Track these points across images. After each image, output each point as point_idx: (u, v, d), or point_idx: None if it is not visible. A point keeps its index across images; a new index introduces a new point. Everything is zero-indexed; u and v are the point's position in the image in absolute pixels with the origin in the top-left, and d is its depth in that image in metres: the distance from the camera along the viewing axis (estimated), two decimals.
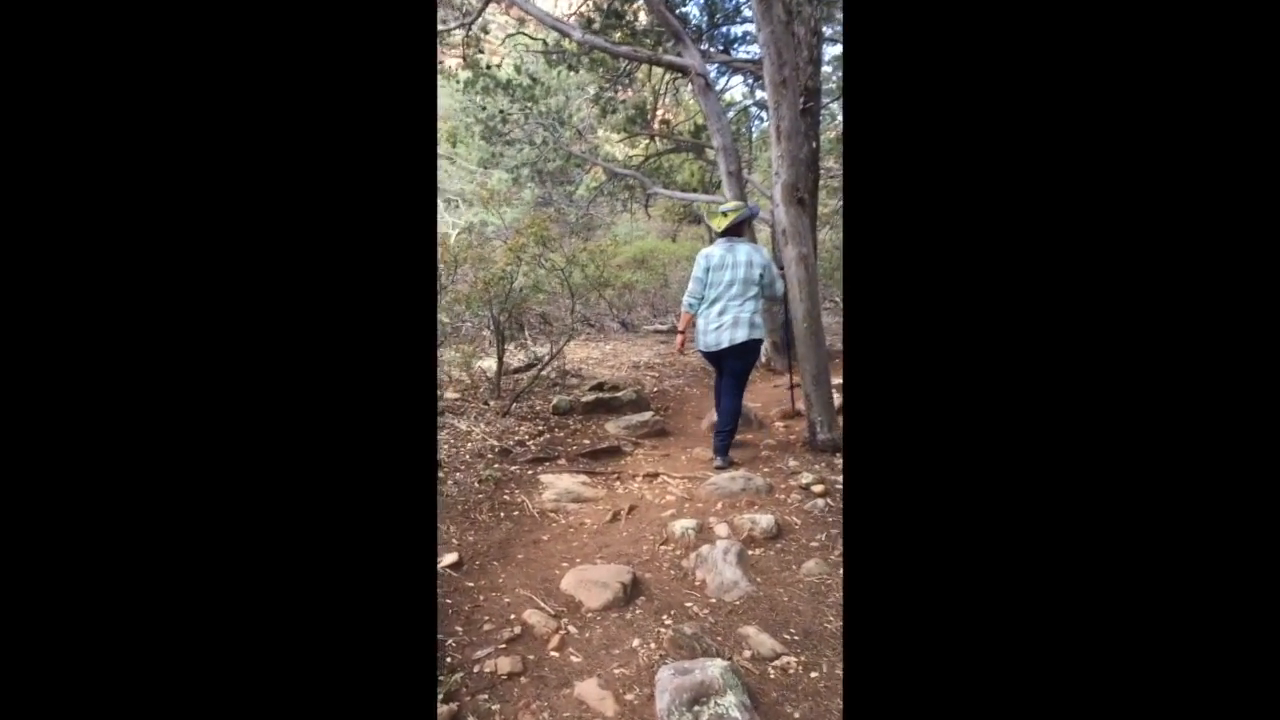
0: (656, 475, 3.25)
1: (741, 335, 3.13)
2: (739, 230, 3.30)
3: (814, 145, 5.91)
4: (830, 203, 9.42)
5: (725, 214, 3.27)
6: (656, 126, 7.42)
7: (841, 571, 2.29)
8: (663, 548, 2.52)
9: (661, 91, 7.57)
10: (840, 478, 3.07)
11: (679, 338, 3.51)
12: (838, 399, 4.31)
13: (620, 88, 7.40)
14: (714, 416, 4.02)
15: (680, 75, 5.57)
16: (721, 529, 2.61)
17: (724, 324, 3.14)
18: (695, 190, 7.82)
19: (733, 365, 3.23)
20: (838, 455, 3.33)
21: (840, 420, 3.53)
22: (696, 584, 2.28)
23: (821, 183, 7.95)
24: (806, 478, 3.04)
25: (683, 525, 2.61)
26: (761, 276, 3.19)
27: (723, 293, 3.16)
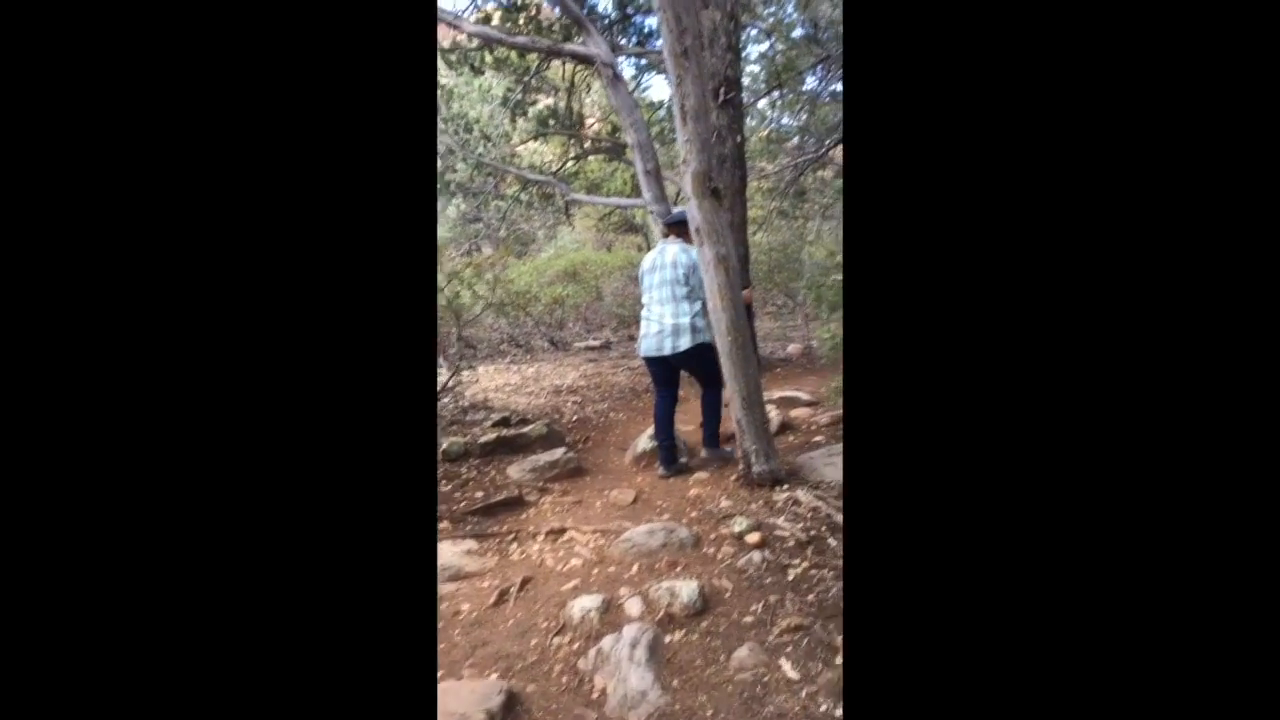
0: (563, 531, 2.67)
1: (685, 343, 3.03)
2: (679, 231, 3.20)
3: (739, 140, 5.47)
4: (766, 204, 9.06)
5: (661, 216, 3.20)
6: (574, 128, 6.89)
7: (782, 661, 1.77)
8: (556, 641, 1.95)
9: (577, 89, 7.06)
10: (779, 519, 2.56)
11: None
12: (777, 417, 3.81)
13: (530, 88, 6.85)
14: (639, 447, 3.49)
15: (587, 68, 5.06)
16: (634, 605, 2.06)
17: (663, 329, 3.07)
18: (608, 185, 7.31)
19: (694, 372, 3.22)
20: (777, 490, 2.82)
21: (775, 448, 3.02)
22: (594, 695, 1.71)
23: (755, 183, 7.56)
24: (740, 524, 2.51)
25: (585, 605, 2.05)
26: (688, 277, 3.07)
27: (653, 296, 3.13)
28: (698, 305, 3.04)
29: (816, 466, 3.03)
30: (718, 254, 2.86)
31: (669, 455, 3.25)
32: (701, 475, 3.21)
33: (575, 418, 4.43)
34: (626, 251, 11.59)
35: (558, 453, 3.43)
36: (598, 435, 4.18)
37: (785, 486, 2.84)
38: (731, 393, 2.91)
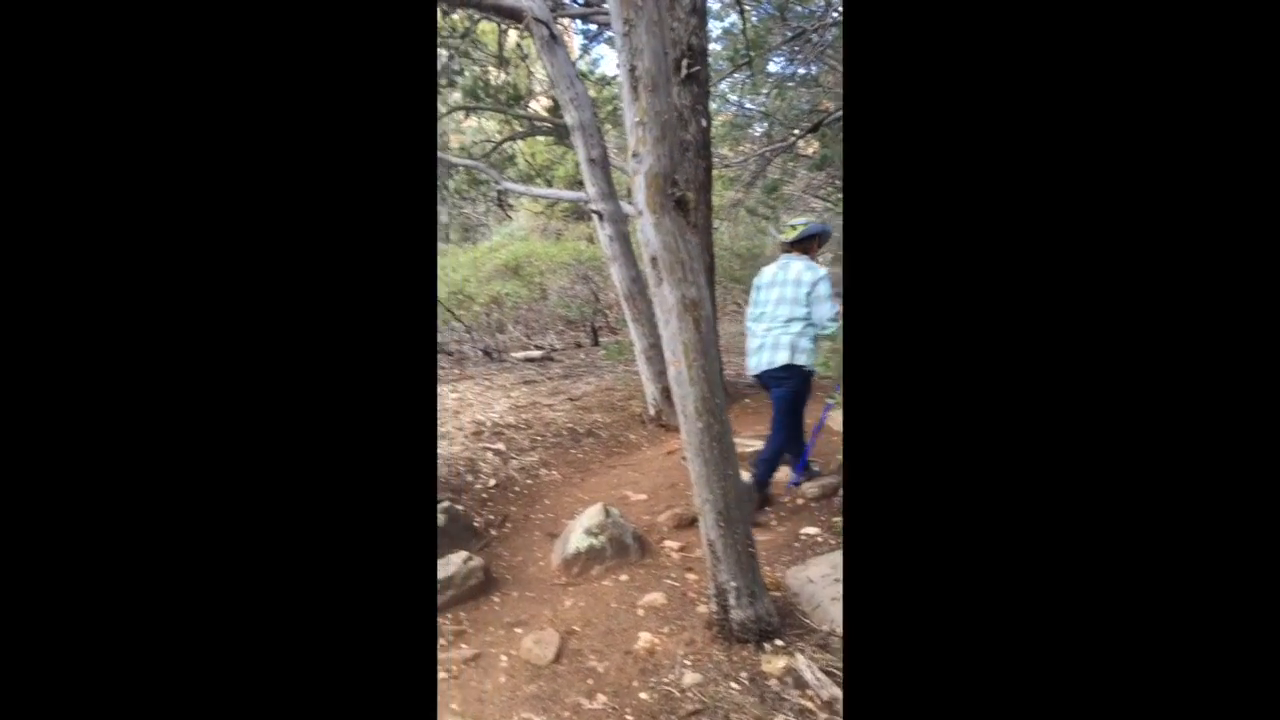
0: None
1: (781, 358, 2.80)
2: (805, 247, 2.94)
3: (704, 125, 4.50)
4: (727, 193, 8.15)
5: (793, 227, 2.97)
6: (510, 103, 5.79)
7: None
8: None
9: (513, 57, 5.95)
10: (779, 716, 1.65)
11: None
12: (748, 483, 2.91)
13: (459, 53, 5.72)
14: (572, 543, 2.56)
15: (518, 28, 4.01)
16: None
17: (763, 344, 2.87)
18: (555, 171, 6.26)
19: (774, 394, 2.90)
20: (766, 650, 1.91)
21: (762, 583, 2.11)
22: None
23: (716, 172, 6.62)
24: None
25: None
26: (807, 297, 2.78)
27: (764, 311, 2.90)
28: (809, 329, 2.80)
29: (818, 597, 2.13)
30: (684, 297, 1.90)
31: (760, 494, 2.95)
32: (653, 599, 2.28)
33: (493, 482, 3.44)
34: (575, 243, 10.52)
35: (456, 560, 2.44)
36: (520, 511, 3.20)
37: (778, 643, 1.94)
38: (701, 503, 1.97)
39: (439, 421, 4.48)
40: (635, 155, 1.84)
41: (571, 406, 4.68)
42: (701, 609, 2.17)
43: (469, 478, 3.44)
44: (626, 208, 4.25)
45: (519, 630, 2.18)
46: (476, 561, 2.48)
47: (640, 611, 2.23)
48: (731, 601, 1.96)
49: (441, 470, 3.44)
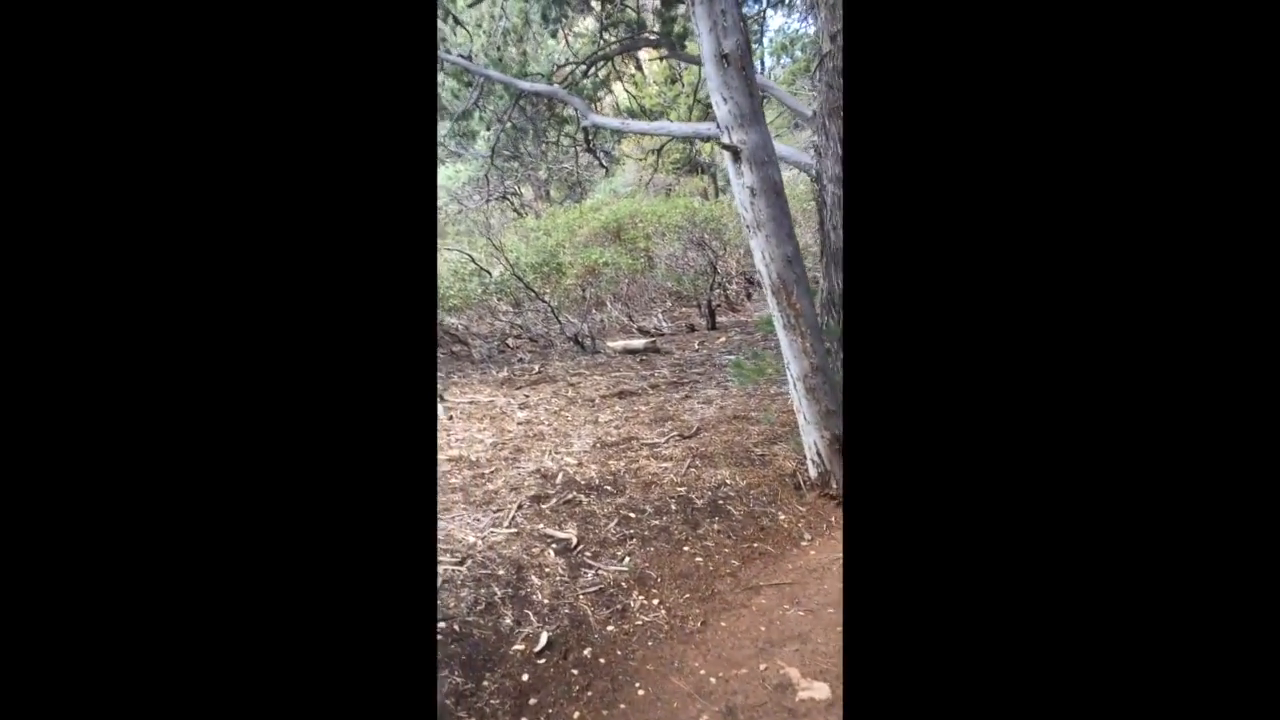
0: None
1: None
2: None
3: None
4: None
5: None
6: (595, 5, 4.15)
7: None
8: None
9: None
10: None
11: None
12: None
13: None
14: None
15: None
16: None
17: None
18: (666, 114, 4.64)
19: None
20: None
21: None
22: None
23: None
24: None
25: None
26: None
27: None
28: None
29: None
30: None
31: None
32: None
33: (543, 636, 1.96)
34: (688, 199, 8.80)
35: None
36: (628, 672, 1.71)
37: None
38: None
39: (490, 461, 3.08)
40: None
41: (686, 451, 3.11)
42: None
43: (503, 616, 1.98)
44: (787, 150, 2.57)
45: None
46: None
47: None
48: None
49: (449, 596, 2.01)
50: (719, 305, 6.72)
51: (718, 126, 2.50)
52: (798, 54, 8.14)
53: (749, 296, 7.63)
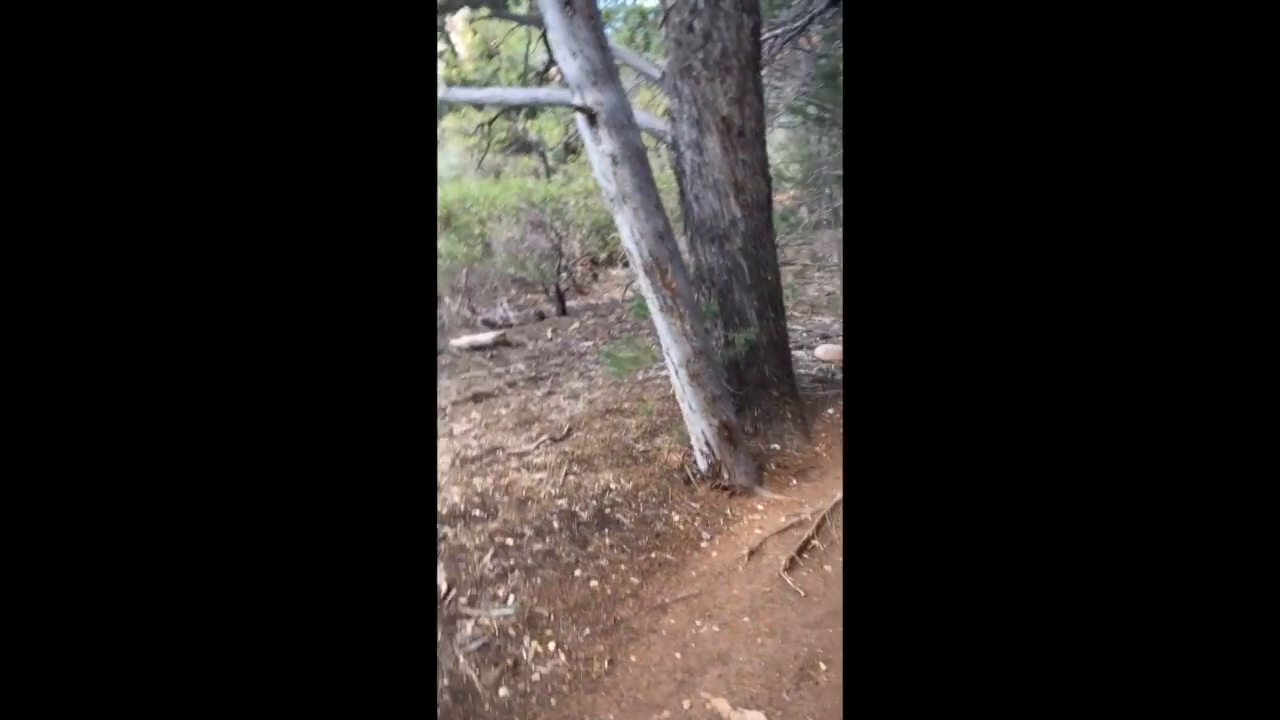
0: None
1: None
2: None
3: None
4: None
5: None
6: None
7: None
8: None
9: None
10: None
11: None
12: None
13: None
14: None
15: None
16: None
17: None
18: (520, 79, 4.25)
19: None
20: None
21: None
22: None
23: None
24: None
25: None
26: None
27: None
28: None
29: None
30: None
31: None
32: None
33: (447, 685, 1.57)
34: (521, 180, 8.32)
35: None
36: None
37: None
38: None
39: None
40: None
41: (560, 456, 2.77)
42: None
43: None
44: (647, 117, 2.29)
45: None
46: None
47: None
48: None
49: None
50: (567, 289, 6.39)
51: (568, 86, 2.16)
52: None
53: (596, 278, 7.38)
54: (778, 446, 2.73)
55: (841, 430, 2.88)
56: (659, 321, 2.35)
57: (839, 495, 2.31)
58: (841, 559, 2.03)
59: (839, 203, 7.40)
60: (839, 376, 3.47)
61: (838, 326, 4.31)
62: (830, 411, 3.05)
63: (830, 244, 7.42)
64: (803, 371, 3.38)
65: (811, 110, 5.62)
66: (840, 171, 7.56)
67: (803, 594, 1.91)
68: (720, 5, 2.63)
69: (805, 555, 2.08)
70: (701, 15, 2.64)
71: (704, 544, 2.24)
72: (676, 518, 2.36)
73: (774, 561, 2.06)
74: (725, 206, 2.71)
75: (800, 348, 3.77)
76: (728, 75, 2.67)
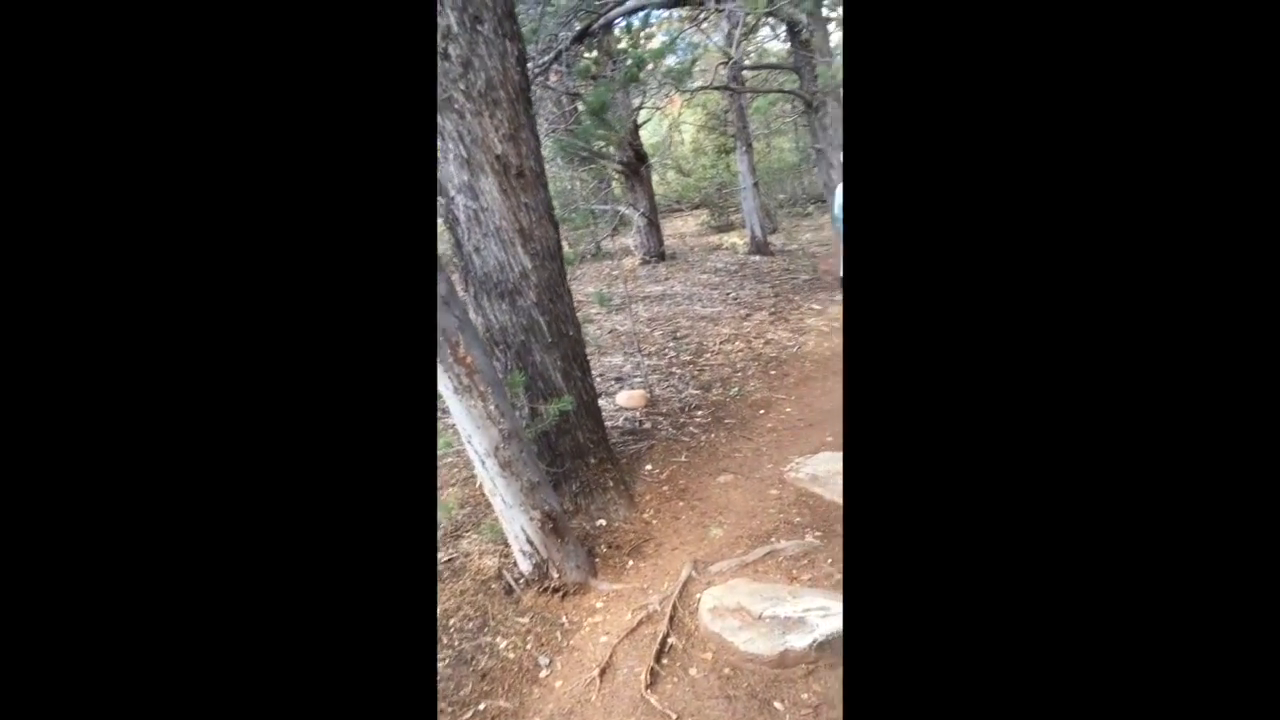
0: None
1: None
2: None
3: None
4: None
5: None
6: None
7: None
8: None
9: None
10: None
11: None
12: None
13: None
14: None
15: None
16: None
17: None
18: None
19: None
20: None
21: None
22: None
23: None
24: None
25: None
26: None
27: None
28: None
29: None
30: None
31: None
32: None
33: None
34: None
35: None
36: None
37: None
38: None
39: None
40: None
41: None
42: None
43: None
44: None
45: None
46: None
47: None
48: None
49: None
50: None
51: None
52: None
53: None
54: (604, 522, 2.42)
55: (663, 489, 2.68)
56: (454, 405, 1.90)
57: (683, 573, 2.07)
58: (707, 657, 1.78)
59: (601, 238, 7.46)
60: (646, 425, 3.29)
61: (629, 367, 4.17)
62: (649, 467, 2.83)
63: (596, 279, 7.41)
64: (610, 425, 3.13)
65: (569, 145, 5.52)
66: (597, 206, 7.62)
67: (674, 717, 1.61)
68: (479, 30, 2.28)
69: (665, 661, 1.79)
70: (457, 40, 2.26)
71: (543, 673, 1.83)
72: (503, 644, 1.92)
73: (631, 678, 1.74)
74: (512, 257, 2.35)
75: (599, 395, 3.52)
76: (496, 109, 2.33)
